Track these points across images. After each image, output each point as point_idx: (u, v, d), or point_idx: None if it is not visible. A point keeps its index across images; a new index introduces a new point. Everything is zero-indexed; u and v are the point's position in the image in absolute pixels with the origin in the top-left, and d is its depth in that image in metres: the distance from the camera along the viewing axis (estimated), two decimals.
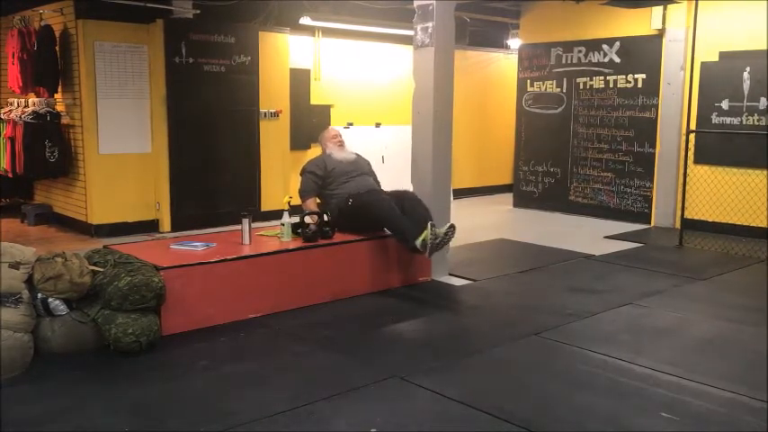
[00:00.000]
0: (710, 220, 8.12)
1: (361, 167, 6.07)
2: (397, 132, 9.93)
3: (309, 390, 3.70)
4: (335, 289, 5.39)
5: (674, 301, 5.48)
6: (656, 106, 8.70)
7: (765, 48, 7.67)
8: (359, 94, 9.87)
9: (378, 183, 6.13)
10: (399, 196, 5.68)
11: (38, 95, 7.88)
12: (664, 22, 8.52)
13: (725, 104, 8.04)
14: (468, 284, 5.96)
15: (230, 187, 8.36)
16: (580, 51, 9.43)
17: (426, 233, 5.20)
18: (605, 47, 9.14)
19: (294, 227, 5.46)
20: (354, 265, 5.49)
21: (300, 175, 6.00)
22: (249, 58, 8.34)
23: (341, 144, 6.14)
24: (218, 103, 8.13)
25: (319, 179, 5.88)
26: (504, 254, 7.30)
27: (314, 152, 9.47)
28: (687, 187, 7.78)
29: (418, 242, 5.23)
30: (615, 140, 9.15)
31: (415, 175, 6.09)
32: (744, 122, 7.91)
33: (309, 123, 9.29)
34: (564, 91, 9.65)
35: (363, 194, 5.68)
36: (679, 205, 7.98)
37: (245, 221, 5.28)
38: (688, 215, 7.81)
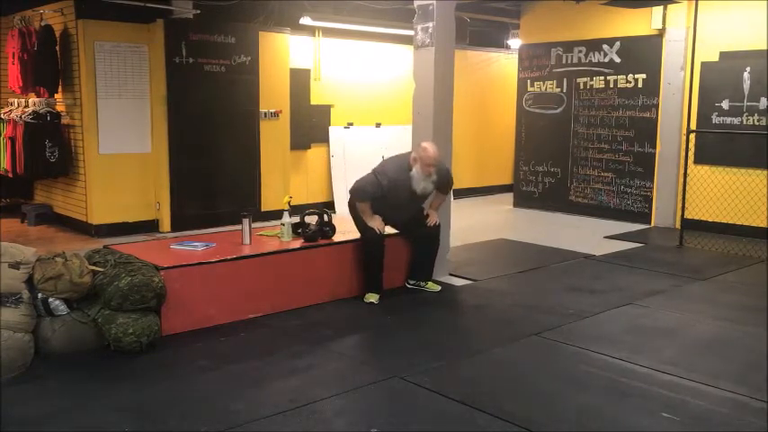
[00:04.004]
0: (710, 220, 8.12)
1: (416, 206, 5.60)
2: (397, 132, 9.92)
3: (309, 390, 3.70)
4: (335, 289, 5.39)
5: (674, 301, 5.49)
6: (657, 106, 8.70)
7: (765, 48, 7.67)
8: (359, 94, 9.87)
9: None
10: (420, 234, 5.61)
11: (38, 95, 7.87)
12: (664, 22, 8.52)
13: (725, 104, 8.04)
14: (469, 284, 5.96)
15: (230, 187, 8.36)
16: (580, 51, 9.43)
17: (373, 296, 5.37)
18: (605, 47, 9.14)
19: (294, 227, 5.46)
20: (354, 264, 5.48)
21: (373, 173, 5.40)
22: (249, 58, 8.34)
23: (429, 174, 5.31)
24: (218, 103, 8.13)
25: (380, 190, 5.29)
26: (504, 254, 7.30)
27: (314, 152, 9.51)
28: (687, 187, 7.78)
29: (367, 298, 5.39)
30: (615, 140, 9.14)
31: None
32: (744, 122, 7.91)
33: (309, 123, 9.30)
34: (564, 91, 9.64)
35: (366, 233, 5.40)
36: (679, 205, 7.98)
37: (245, 221, 5.28)
38: (688, 215, 7.81)
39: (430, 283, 5.74)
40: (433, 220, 5.65)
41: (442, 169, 5.50)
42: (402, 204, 5.48)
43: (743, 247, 7.20)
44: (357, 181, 5.43)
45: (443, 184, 5.62)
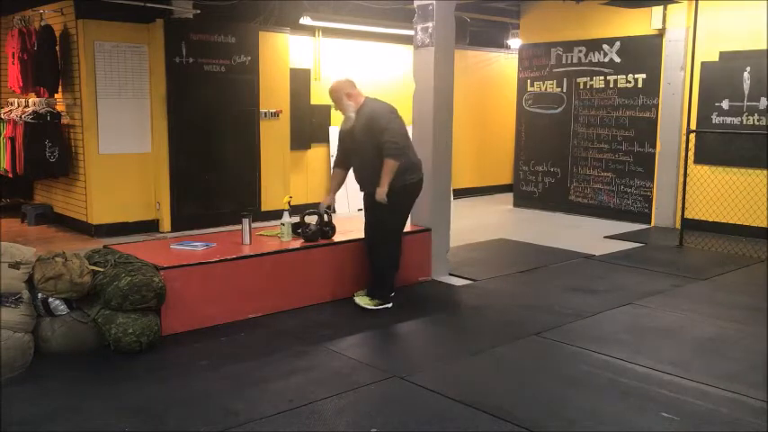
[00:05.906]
0: (710, 220, 8.12)
1: (357, 143, 5.17)
2: None
3: (309, 390, 3.70)
4: (335, 289, 5.39)
5: (674, 301, 5.48)
6: (657, 106, 8.70)
7: (765, 48, 7.67)
8: None
9: (395, 150, 4.88)
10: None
11: (38, 95, 7.88)
12: (664, 22, 8.52)
13: (725, 104, 8.04)
14: (469, 284, 5.96)
15: (230, 187, 8.36)
16: (580, 51, 9.43)
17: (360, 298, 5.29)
18: (605, 47, 9.14)
19: (294, 227, 5.46)
20: (354, 264, 5.48)
21: None
22: (249, 58, 8.34)
23: (343, 108, 5.26)
24: (218, 102, 8.13)
25: (340, 144, 5.43)
26: (504, 254, 7.30)
27: (313, 152, 9.53)
28: (687, 187, 7.78)
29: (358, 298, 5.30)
30: (615, 140, 9.14)
31: None
32: (744, 122, 7.91)
33: (309, 123, 9.30)
34: (564, 91, 9.64)
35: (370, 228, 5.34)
36: (679, 205, 7.98)
37: (245, 221, 5.28)
38: (688, 215, 7.81)
39: (357, 294, 5.29)
40: (378, 194, 4.98)
41: (362, 109, 5.13)
42: (353, 155, 5.24)
43: (743, 247, 7.20)
44: None
45: (368, 128, 4.99)
